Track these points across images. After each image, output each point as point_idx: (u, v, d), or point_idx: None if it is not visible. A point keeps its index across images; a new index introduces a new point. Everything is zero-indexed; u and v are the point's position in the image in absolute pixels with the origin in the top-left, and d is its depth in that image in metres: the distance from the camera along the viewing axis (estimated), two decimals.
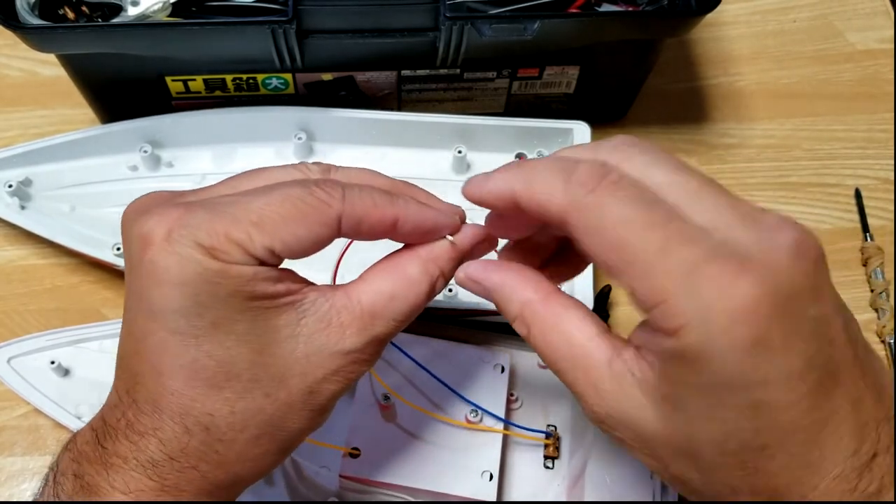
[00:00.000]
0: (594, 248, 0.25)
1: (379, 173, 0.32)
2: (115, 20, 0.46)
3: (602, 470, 0.42)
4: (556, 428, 0.42)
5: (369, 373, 0.41)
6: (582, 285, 0.45)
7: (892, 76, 0.60)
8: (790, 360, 0.23)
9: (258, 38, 0.45)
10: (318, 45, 0.47)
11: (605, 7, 0.49)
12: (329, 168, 0.31)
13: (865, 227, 0.53)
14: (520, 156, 0.51)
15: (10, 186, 0.48)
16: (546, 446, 0.41)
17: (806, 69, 0.61)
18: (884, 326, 0.50)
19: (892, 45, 0.62)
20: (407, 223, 0.30)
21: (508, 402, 0.41)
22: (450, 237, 0.31)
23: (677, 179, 0.26)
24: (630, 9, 0.49)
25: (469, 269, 0.30)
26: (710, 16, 0.46)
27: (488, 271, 0.30)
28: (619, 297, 0.51)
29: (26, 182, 0.49)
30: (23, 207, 0.49)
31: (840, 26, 0.62)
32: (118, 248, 0.47)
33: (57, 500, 0.28)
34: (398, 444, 0.39)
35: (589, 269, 0.45)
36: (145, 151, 0.50)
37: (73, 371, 0.46)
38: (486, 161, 0.52)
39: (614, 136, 0.29)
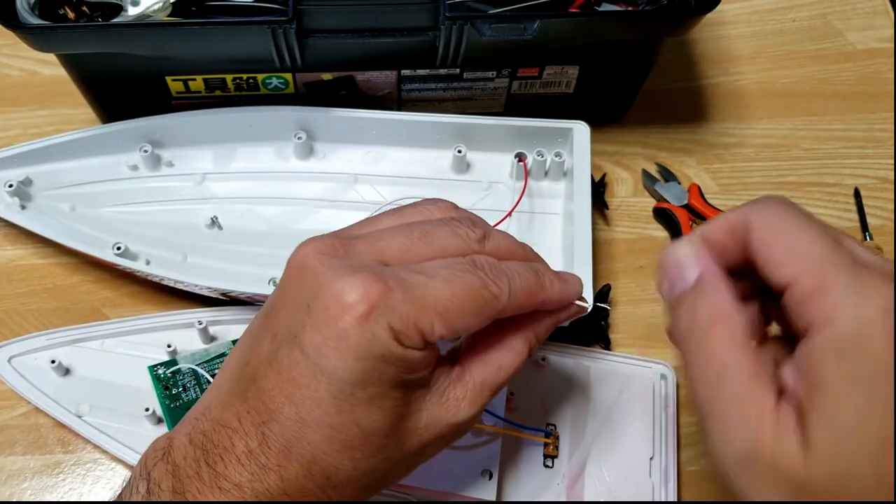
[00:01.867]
0: (767, 244, 0.28)
1: (518, 242, 0.35)
2: (116, 20, 0.46)
3: (601, 468, 0.42)
4: (555, 427, 0.42)
5: None
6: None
7: (892, 76, 0.60)
8: None
9: (258, 37, 0.45)
10: (318, 44, 0.47)
11: (605, 7, 0.49)
12: (485, 235, 0.33)
13: (865, 227, 0.54)
14: (519, 155, 0.51)
15: (11, 186, 0.48)
16: (546, 445, 0.41)
17: (805, 69, 0.61)
18: None
19: (892, 45, 0.62)
20: (549, 303, 0.33)
21: (508, 401, 0.41)
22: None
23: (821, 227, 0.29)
24: (630, 8, 0.50)
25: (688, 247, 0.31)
26: (709, 15, 0.46)
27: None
28: (619, 297, 0.51)
29: (26, 182, 0.49)
30: (23, 207, 0.49)
31: (839, 26, 0.63)
32: (118, 248, 0.47)
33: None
34: None
35: (588, 268, 0.45)
36: (145, 151, 0.50)
37: (73, 370, 0.46)
38: (486, 160, 0.52)
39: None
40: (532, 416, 0.43)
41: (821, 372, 0.25)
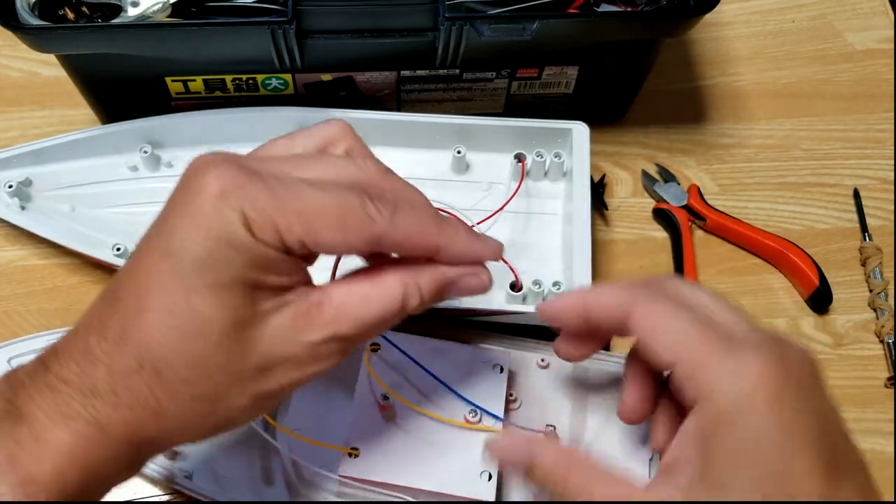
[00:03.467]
0: (648, 330, 0.32)
1: (422, 194, 0.33)
2: (115, 21, 0.46)
3: None
4: (554, 428, 0.42)
5: (368, 373, 0.41)
6: (581, 282, 0.45)
7: (891, 76, 0.60)
8: (804, 431, 0.28)
9: (258, 38, 0.46)
10: (317, 45, 0.47)
11: (604, 7, 0.49)
12: (387, 174, 0.32)
13: (864, 227, 0.54)
14: (519, 156, 0.51)
15: (11, 187, 0.49)
16: None
17: (804, 69, 0.61)
18: (882, 326, 0.50)
19: (891, 46, 0.62)
20: (449, 253, 0.31)
21: (507, 402, 0.41)
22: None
23: (710, 298, 0.33)
24: (629, 9, 0.50)
25: (509, 437, 0.36)
26: (708, 16, 0.46)
27: (525, 442, 0.34)
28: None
29: (26, 182, 0.49)
30: (23, 208, 0.49)
31: (839, 26, 0.63)
32: (118, 249, 0.47)
33: None
34: (397, 444, 0.39)
35: (588, 269, 0.45)
36: (145, 152, 0.50)
37: None
38: (486, 161, 0.52)
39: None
40: (531, 417, 0.43)
41: (704, 444, 0.29)
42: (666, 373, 0.35)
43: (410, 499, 0.39)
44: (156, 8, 0.46)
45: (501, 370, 0.42)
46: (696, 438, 0.29)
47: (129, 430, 0.28)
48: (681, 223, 0.52)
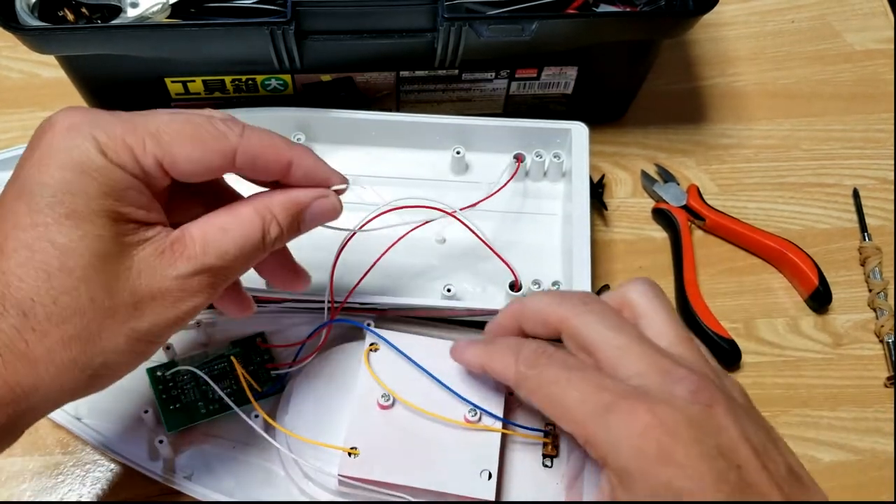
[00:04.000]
0: (538, 404, 0.33)
1: (280, 136, 0.34)
2: (115, 22, 0.46)
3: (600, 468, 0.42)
4: (554, 427, 0.42)
5: (369, 372, 0.41)
6: (580, 285, 0.45)
7: (891, 76, 0.60)
8: (700, 474, 0.28)
9: (257, 39, 0.46)
10: (316, 46, 0.47)
11: (603, 8, 0.50)
12: (234, 117, 0.33)
13: (864, 227, 0.54)
14: (518, 156, 0.51)
15: None
16: (545, 445, 0.41)
17: (804, 69, 0.61)
18: (882, 326, 0.50)
19: (891, 46, 0.62)
20: (300, 168, 0.33)
21: (507, 401, 0.41)
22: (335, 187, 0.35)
23: (611, 336, 0.32)
24: (628, 9, 0.50)
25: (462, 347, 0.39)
26: (707, 16, 0.46)
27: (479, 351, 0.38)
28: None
29: None
30: None
31: (838, 27, 0.63)
32: None
33: None
34: (397, 444, 0.39)
35: (587, 272, 0.45)
36: None
37: None
38: (485, 161, 0.52)
39: (577, 292, 0.38)
40: (531, 416, 0.43)
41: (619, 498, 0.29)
42: None
43: (410, 498, 0.39)
44: (155, 9, 0.46)
45: None
46: (610, 498, 0.30)
47: (2, 384, 0.28)
48: (680, 223, 0.52)
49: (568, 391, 0.31)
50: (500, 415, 0.40)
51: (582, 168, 0.49)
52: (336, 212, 0.35)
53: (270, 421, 0.40)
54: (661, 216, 0.54)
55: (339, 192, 0.35)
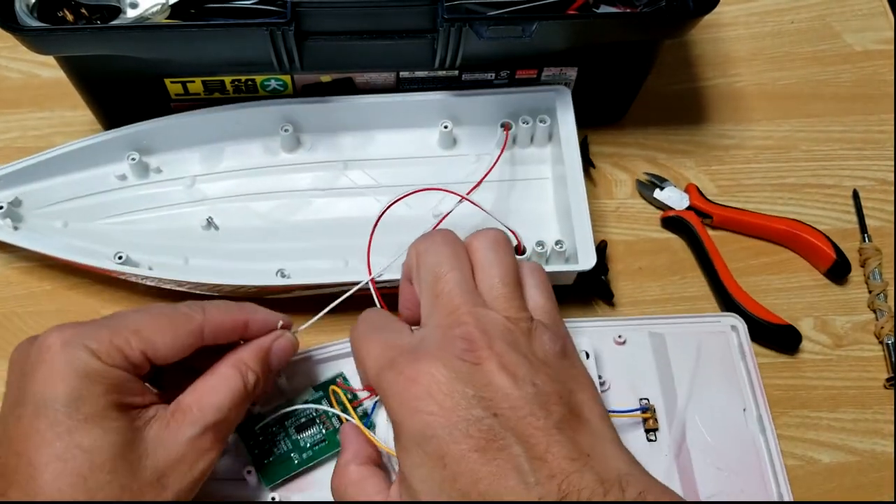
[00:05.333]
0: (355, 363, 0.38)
1: (232, 303, 0.39)
2: (114, 22, 0.46)
3: (701, 430, 0.43)
4: (648, 399, 0.43)
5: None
6: (583, 239, 0.46)
7: (891, 77, 0.60)
8: (453, 422, 0.30)
9: (257, 39, 0.45)
10: (316, 46, 0.47)
11: (604, 8, 0.49)
12: (203, 310, 0.38)
13: (863, 229, 0.54)
14: (505, 125, 0.51)
15: (1, 208, 0.48)
16: (645, 420, 0.42)
17: (804, 70, 0.61)
18: (881, 327, 0.50)
19: (891, 47, 0.62)
20: (255, 322, 0.39)
21: (599, 386, 0.42)
22: (280, 323, 0.40)
23: (431, 281, 0.36)
24: (628, 10, 0.50)
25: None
26: (708, 17, 0.46)
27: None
28: (618, 298, 0.51)
29: (16, 202, 0.49)
30: (16, 228, 0.49)
31: (838, 28, 0.63)
32: (119, 257, 0.47)
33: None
34: None
35: (588, 227, 0.46)
36: (133, 159, 0.50)
37: None
38: (473, 134, 0.53)
39: (443, 230, 0.39)
40: (624, 395, 0.43)
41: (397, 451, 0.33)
42: None
43: None
44: (155, 9, 0.46)
45: (588, 356, 0.42)
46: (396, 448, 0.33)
47: None
48: (695, 226, 0.52)
49: (368, 348, 0.36)
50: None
51: (569, 129, 0.50)
52: (294, 345, 0.40)
53: (387, 449, 0.39)
54: (673, 223, 0.53)
55: (287, 328, 0.40)
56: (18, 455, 0.31)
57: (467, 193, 0.46)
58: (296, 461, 0.41)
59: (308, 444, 0.42)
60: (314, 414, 0.42)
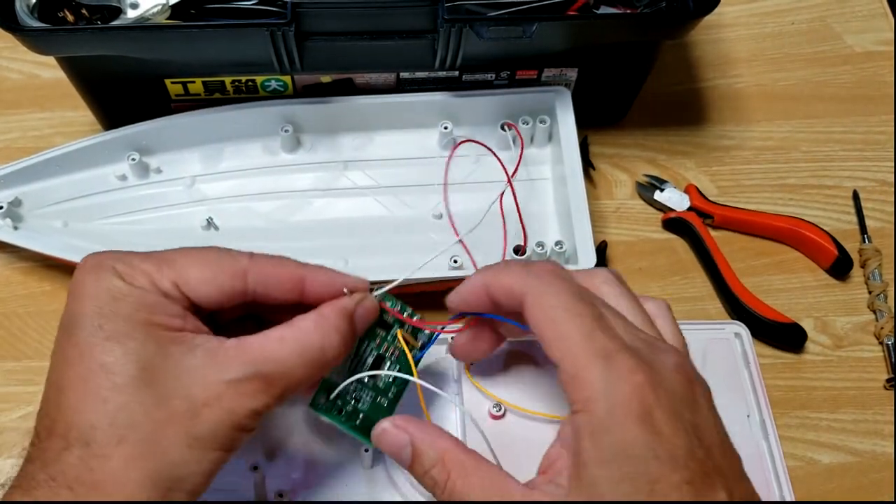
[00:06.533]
0: (534, 320, 0.31)
1: (288, 257, 0.35)
2: (115, 23, 0.46)
3: None
4: None
5: (475, 385, 0.40)
6: (583, 239, 0.46)
7: (891, 78, 0.60)
8: (674, 444, 0.28)
9: (257, 40, 0.46)
10: (316, 47, 0.47)
11: (604, 9, 0.50)
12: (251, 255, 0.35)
13: (863, 229, 0.54)
14: (504, 125, 0.52)
15: (1, 208, 0.48)
16: None
17: (804, 71, 0.61)
18: (881, 328, 0.50)
19: (891, 48, 0.62)
20: (316, 282, 0.34)
21: None
22: (346, 290, 0.35)
23: (616, 293, 0.33)
24: (628, 11, 0.50)
25: (392, 419, 0.34)
26: (708, 18, 0.46)
27: (409, 423, 0.34)
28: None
29: (16, 202, 0.49)
30: (16, 228, 0.49)
31: (838, 29, 0.63)
32: None
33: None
34: (519, 450, 0.38)
35: (588, 228, 0.46)
36: (133, 160, 0.50)
37: None
38: (473, 134, 0.53)
39: (545, 262, 0.35)
40: None
41: (579, 448, 0.29)
42: None
43: None
44: (155, 10, 0.46)
45: None
46: (574, 442, 0.30)
47: None
48: (697, 227, 0.52)
49: (574, 322, 0.30)
50: None
51: (569, 130, 0.50)
52: (375, 310, 0.36)
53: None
54: (675, 225, 0.53)
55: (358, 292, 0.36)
56: (50, 375, 0.31)
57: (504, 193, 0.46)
58: (384, 406, 0.37)
59: (386, 385, 0.38)
60: (376, 351, 0.38)
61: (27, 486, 0.29)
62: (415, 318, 0.38)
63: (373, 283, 0.38)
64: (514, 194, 0.49)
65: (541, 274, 0.32)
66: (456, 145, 0.52)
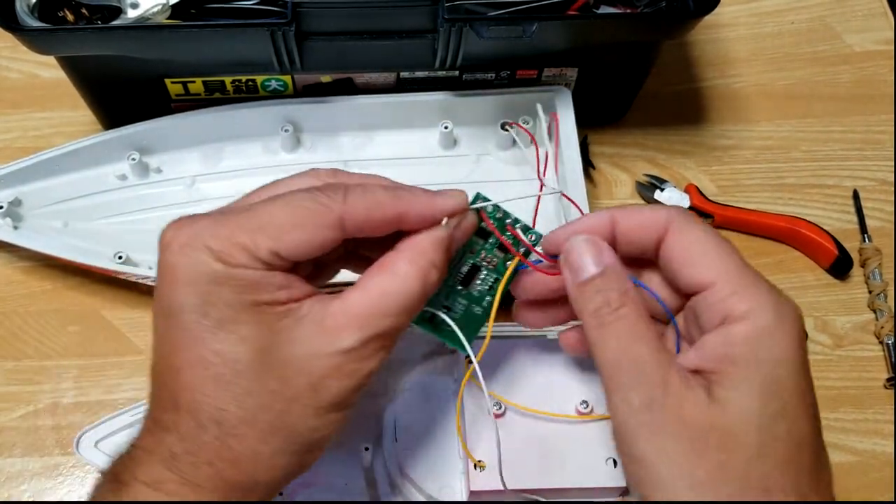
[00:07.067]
0: (686, 247, 0.31)
1: (385, 177, 0.34)
2: (115, 22, 0.46)
3: None
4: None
5: (476, 384, 0.40)
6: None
7: (891, 77, 0.60)
8: (809, 405, 0.29)
9: (257, 40, 0.46)
10: (317, 46, 0.47)
11: (604, 9, 0.49)
12: (337, 171, 0.33)
13: (863, 229, 0.54)
14: (505, 124, 0.52)
15: (1, 208, 0.48)
16: None
17: (803, 71, 0.61)
18: (882, 327, 0.50)
19: (890, 47, 0.62)
20: (411, 214, 0.31)
21: None
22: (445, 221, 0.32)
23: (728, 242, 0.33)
24: (628, 11, 0.50)
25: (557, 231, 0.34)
26: (708, 18, 0.46)
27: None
28: None
29: (16, 202, 0.49)
30: (16, 227, 0.49)
31: (838, 28, 0.63)
32: (119, 257, 0.47)
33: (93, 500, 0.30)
34: (519, 449, 0.38)
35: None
36: (133, 159, 0.50)
37: None
38: (473, 134, 0.53)
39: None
40: None
41: (736, 352, 0.29)
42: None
43: (541, 499, 0.39)
44: (155, 10, 0.46)
45: None
46: (722, 350, 0.30)
47: (219, 481, 0.29)
48: None
49: (727, 249, 0.31)
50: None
51: (569, 129, 0.50)
52: (473, 225, 0.34)
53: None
54: None
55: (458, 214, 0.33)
56: (162, 353, 0.30)
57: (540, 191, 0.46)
58: (479, 312, 0.36)
59: (482, 292, 0.36)
60: (471, 260, 0.36)
61: (166, 453, 0.29)
62: (517, 226, 0.35)
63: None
64: (538, 195, 0.48)
65: (679, 210, 0.33)
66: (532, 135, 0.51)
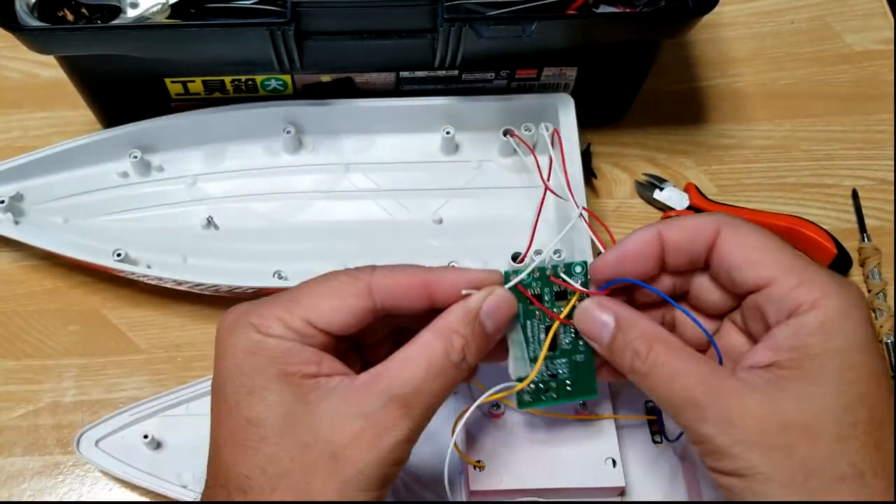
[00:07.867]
0: (741, 248, 0.32)
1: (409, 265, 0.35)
2: (115, 22, 0.46)
3: None
4: (654, 402, 0.43)
5: (475, 384, 0.40)
6: (581, 254, 0.46)
7: (890, 77, 0.60)
8: (886, 390, 0.30)
9: (257, 39, 0.46)
10: (316, 46, 0.47)
11: (603, 8, 0.50)
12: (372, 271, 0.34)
13: (863, 228, 0.54)
14: (507, 132, 0.51)
15: (2, 202, 0.48)
16: (651, 423, 0.42)
17: (803, 70, 0.61)
18: (881, 327, 0.50)
19: (890, 47, 0.62)
20: (442, 286, 0.33)
21: (609, 387, 0.42)
22: (465, 291, 0.33)
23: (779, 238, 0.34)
24: (628, 10, 0.50)
25: (596, 299, 0.34)
26: (707, 17, 0.46)
27: (614, 303, 0.34)
28: None
29: (17, 197, 0.49)
30: (17, 223, 0.49)
31: (837, 28, 0.63)
32: (118, 254, 0.47)
33: None
34: (518, 449, 0.39)
35: (587, 238, 0.46)
36: (135, 157, 0.50)
37: (165, 441, 0.44)
38: (475, 140, 0.53)
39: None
40: (632, 398, 0.42)
41: (812, 342, 0.30)
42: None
43: (540, 499, 0.39)
44: (155, 9, 0.46)
45: None
46: (792, 340, 0.30)
47: None
48: None
49: (782, 246, 0.32)
50: (609, 401, 0.40)
51: (571, 137, 0.50)
52: (510, 302, 0.34)
53: None
54: None
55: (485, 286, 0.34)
56: (212, 439, 0.32)
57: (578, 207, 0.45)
58: (582, 359, 0.36)
59: (572, 340, 0.36)
60: (541, 325, 0.36)
61: None
62: (560, 273, 0.35)
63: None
64: (542, 201, 0.48)
65: (724, 214, 0.34)
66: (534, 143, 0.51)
